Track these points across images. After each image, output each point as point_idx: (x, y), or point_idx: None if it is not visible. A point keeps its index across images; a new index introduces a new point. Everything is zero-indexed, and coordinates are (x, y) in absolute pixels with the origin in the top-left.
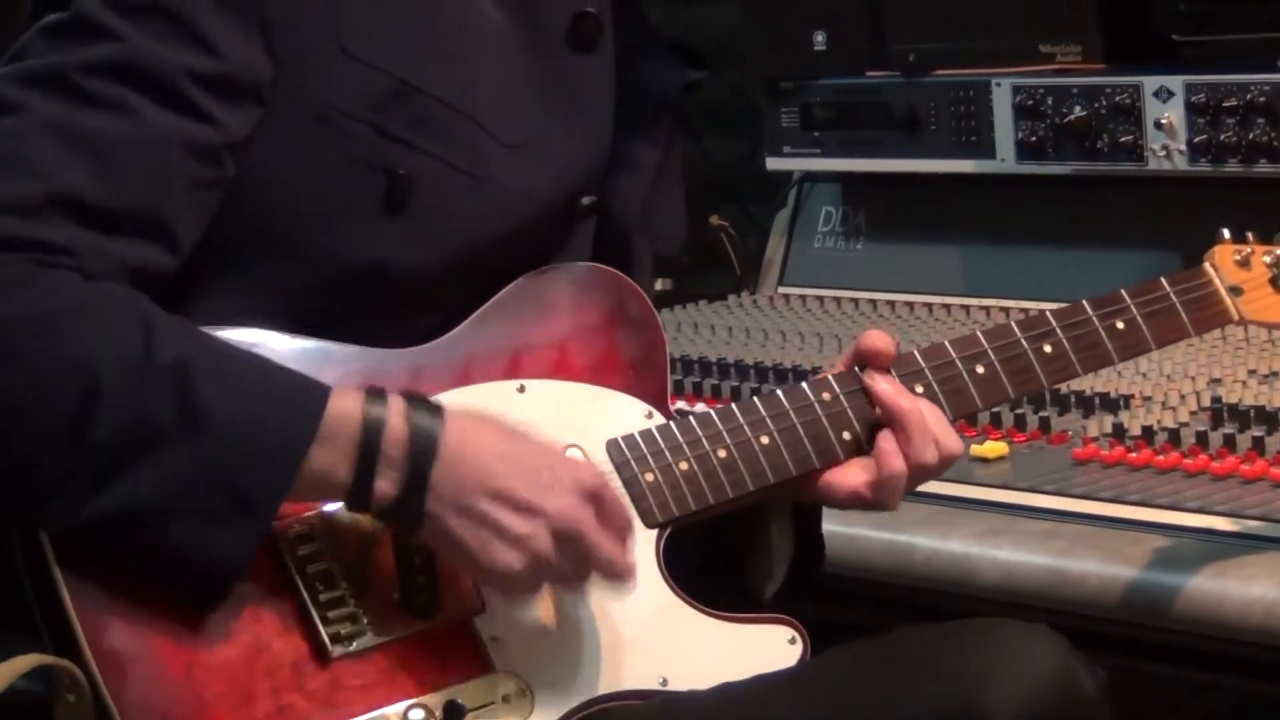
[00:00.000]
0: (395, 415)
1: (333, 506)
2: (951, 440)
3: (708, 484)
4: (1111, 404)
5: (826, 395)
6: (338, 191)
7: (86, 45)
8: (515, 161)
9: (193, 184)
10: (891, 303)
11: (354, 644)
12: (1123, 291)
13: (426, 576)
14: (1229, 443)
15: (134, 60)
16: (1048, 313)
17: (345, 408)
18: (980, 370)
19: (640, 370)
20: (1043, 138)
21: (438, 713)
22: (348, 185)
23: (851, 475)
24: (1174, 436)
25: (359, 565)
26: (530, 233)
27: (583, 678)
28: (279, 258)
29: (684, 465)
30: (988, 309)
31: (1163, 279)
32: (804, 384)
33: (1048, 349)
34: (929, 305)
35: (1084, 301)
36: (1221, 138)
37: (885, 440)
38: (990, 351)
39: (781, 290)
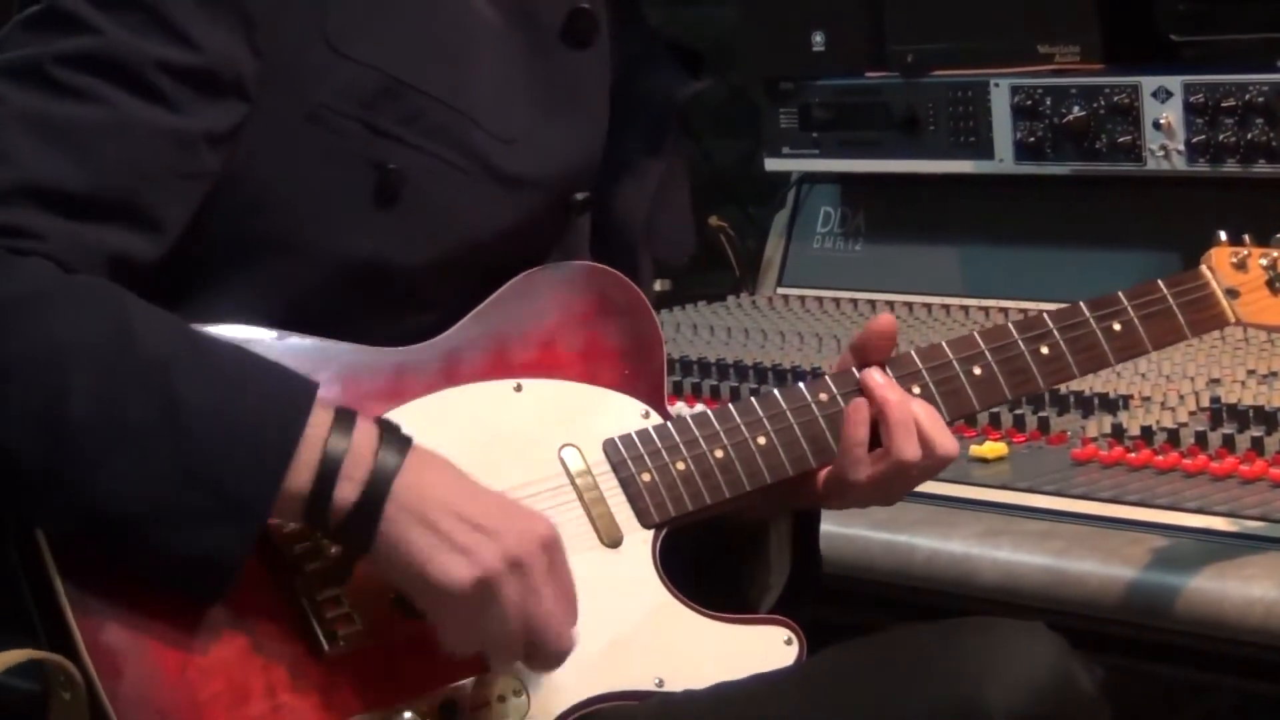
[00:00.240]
0: (361, 436)
1: None
2: (946, 440)
3: (704, 484)
4: (1110, 404)
5: (824, 396)
6: (330, 188)
7: (62, 37)
8: (509, 156)
9: (170, 173)
10: (890, 303)
11: (350, 643)
12: (1120, 293)
13: None
14: (1228, 443)
15: (109, 52)
16: (1045, 314)
17: (312, 432)
18: (977, 371)
19: (637, 370)
20: (1041, 138)
21: (433, 713)
22: (340, 182)
23: (856, 470)
24: (1173, 437)
25: (355, 565)
26: (525, 228)
27: (578, 678)
28: (273, 256)
29: (681, 465)
30: (986, 309)
31: (1159, 281)
32: (801, 384)
33: (1045, 350)
34: (928, 305)
35: (1081, 303)
36: (1220, 138)
37: (856, 409)
38: (987, 353)
39: (780, 291)
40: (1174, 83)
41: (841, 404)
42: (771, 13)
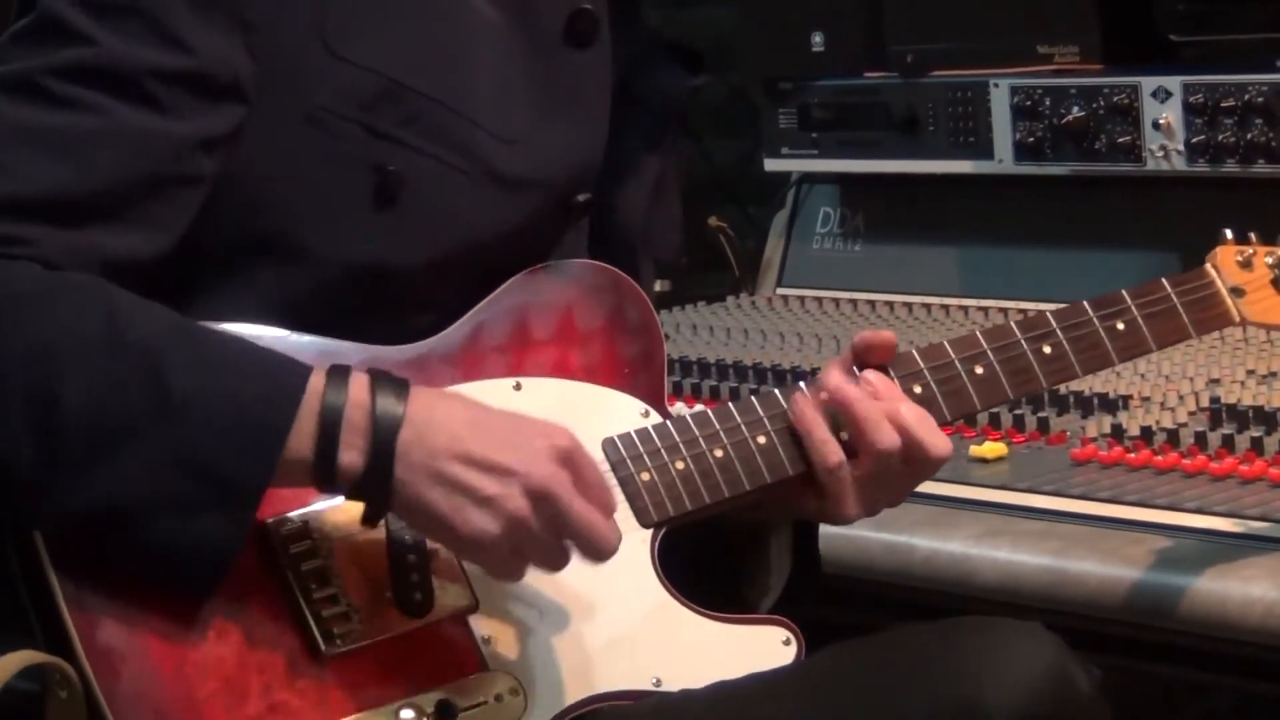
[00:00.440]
0: (357, 389)
1: (324, 504)
2: (938, 441)
3: (704, 484)
4: (1110, 404)
5: (824, 396)
6: (329, 190)
7: (55, 48)
8: (510, 157)
9: (166, 178)
10: (890, 303)
11: (347, 642)
12: (1123, 292)
13: (419, 575)
14: (1227, 443)
15: (103, 61)
16: (1047, 313)
17: (309, 387)
18: (979, 371)
19: (637, 369)
20: (1041, 138)
21: (431, 711)
22: (339, 184)
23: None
24: (1173, 437)
25: (352, 563)
26: (526, 229)
27: (576, 677)
28: (273, 257)
29: (680, 465)
30: (986, 309)
31: (1164, 280)
32: (801, 384)
33: (1047, 350)
34: (927, 306)
35: (1084, 302)
36: (1219, 138)
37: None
38: (989, 352)
39: (780, 291)
40: (1173, 83)
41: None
42: (771, 13)
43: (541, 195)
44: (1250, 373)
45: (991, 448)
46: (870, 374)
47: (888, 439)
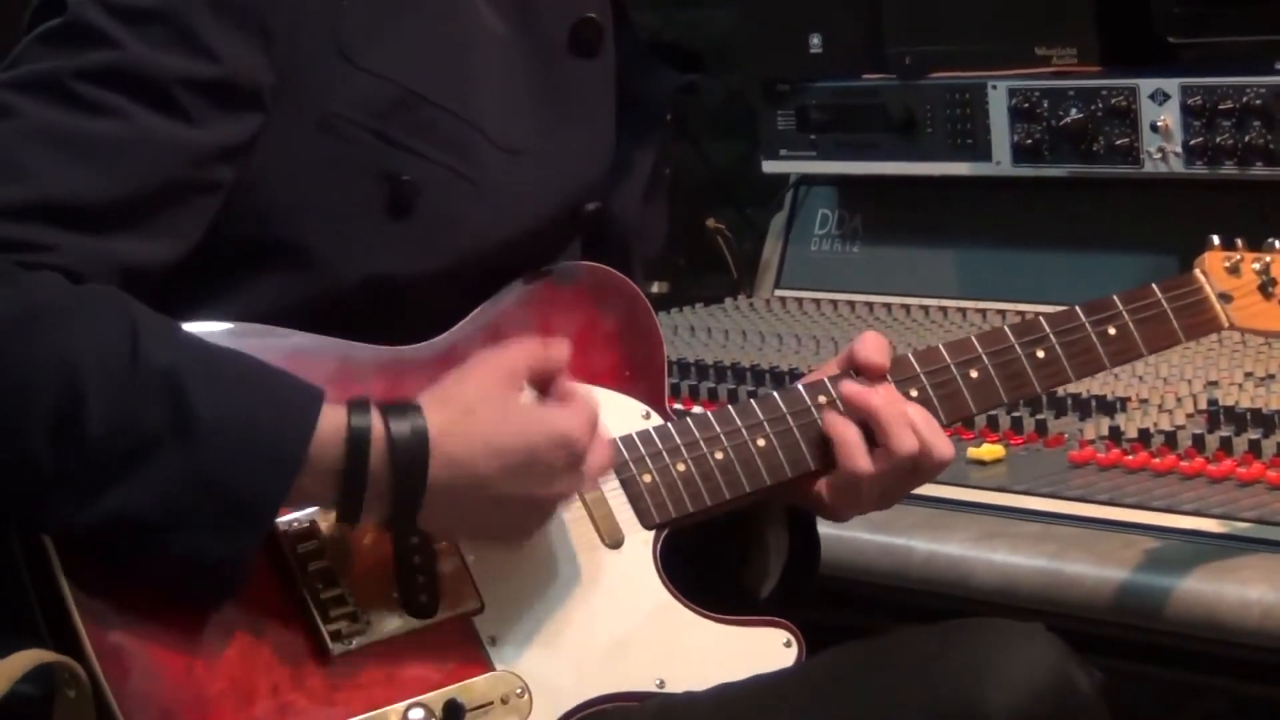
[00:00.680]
0: (377, 442)
1: None
2: (942, 444)
3: (705, 486)
4: (1108, 407)
5: (823, 398)
6: (342, 198)
7: (83, 51)
8: (517, 167)
9: (186, 187)
10: (888, 305)
11: (354, 642)
12: (1114, 297)
13: (426, 576)
14: (1225, 445)
15: (130, 66)
16: (1041, 318)
17: (326, 437)
18: (974, 375)
19: (638, 371)
20: (1039, 140)
21: (437, 712)
22: (351, 192)
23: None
24: (1170, 439)
25: (359, 564)
26: (535, 239)
27: (580, 679)
28: (286, 264)
29: (681, 467)
30: (984, 312)
31: (1154, 285)
32: (799, 386)
33: (1041, 354)
34: (925, 308)
35: (1076, 307)
36: (1217, 140)
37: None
38: (984, 356)
39: (778, 293)
40: (1171, 85)
41: (841, 408)
42: (769, 15)
43: (550, 206)
44: (1248, 375)
45: (989, 450)
46: (869, 380)
47: (909, 444)
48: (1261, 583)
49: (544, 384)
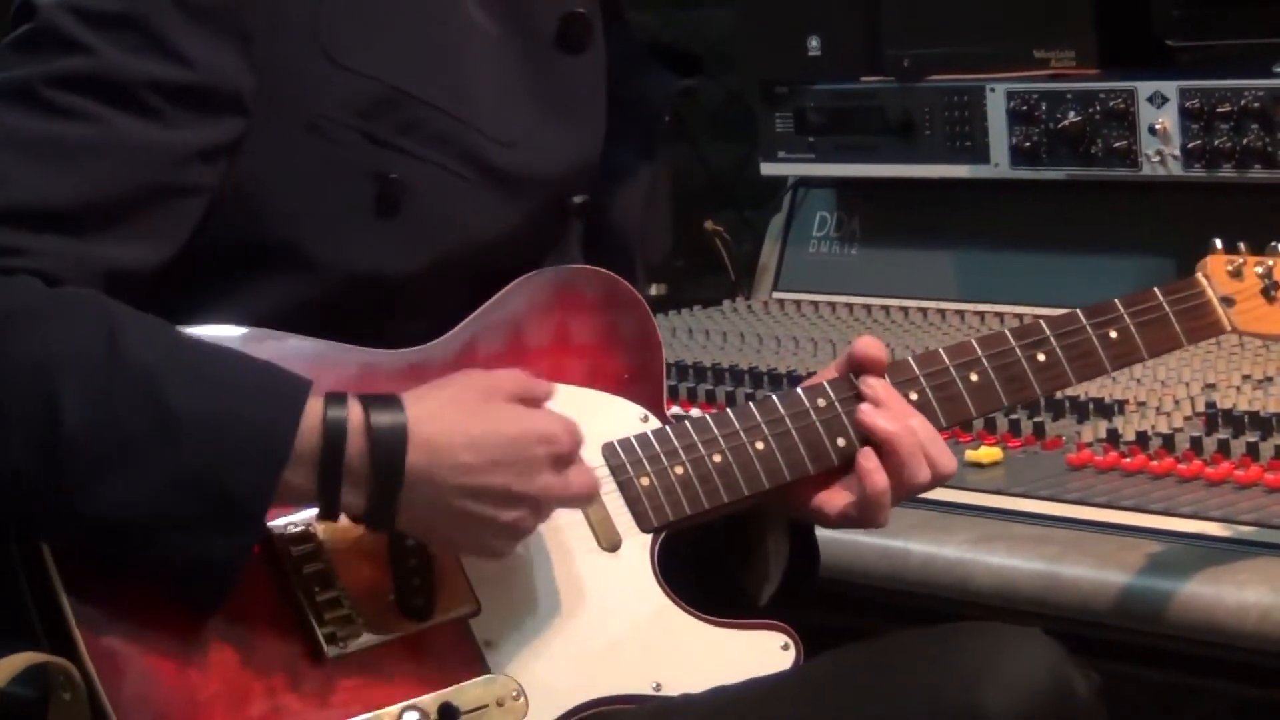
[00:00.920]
0: (355, 431)
1: None
2: (946, 459)
3: (703, 489)
4: (1106, 409)
5: (822, 401)
6: (331, 199)
7: (54, 58)
8: (508, 161)
9: (165, 189)
10: (886, 308)
11: (349, 645)
12: (1116, 301)
13: (422, 578)
14: (1223, 448)
15: (101, 72)
16: (1041, 321)
17: (306, 423)
18: (974, 378)
19: (636, 374)
20: (1037, 143)
21: (432, 715)
22: (341, 192)
23: (839, 497)
24: (1168, 442)
25: (355, 566)
26: (523, 232)
27: (577, 682)
28: (275, 266)
29: (679, 470)
30: (982, 314)
31: (1156, 289)
32: (799, 389)
33: (1041, 358)
34: (923, 310)
35: (1078, 311)
36: (1215, 143)
37: (867, 459)
38: (984, 359)
39: (776, 295)
40: (1170, 88)
41: (839, 410)
42: (768, 17)
43: (540, 196)
44: (1246, 378)
45: (987, 452)
46: (874, 382)
47: (923, 475)
48: (1259, 585)
49: (527, 404)
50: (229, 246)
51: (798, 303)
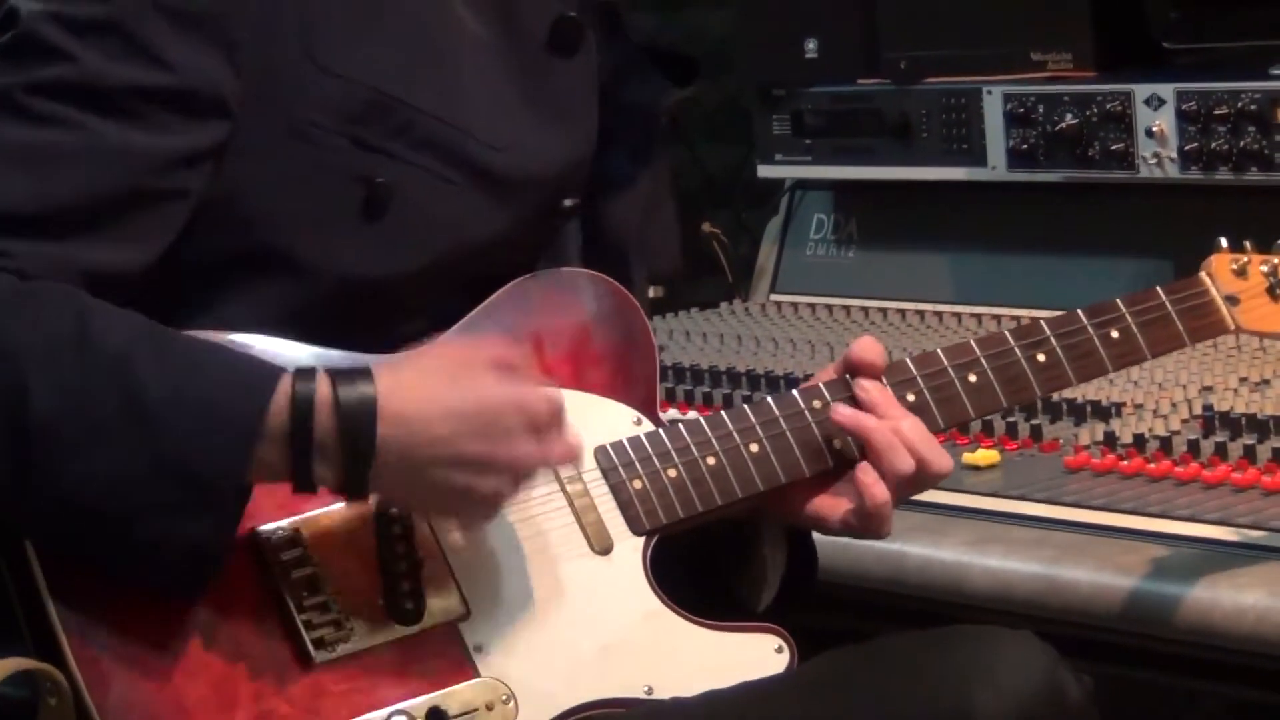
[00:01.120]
0: (323, 405)
1: (315, 511)
2: (939, 458)
3: (696, 491)
4: (1103, 412)
5: (817, 403)
6: (317, 203)
7: (35, 66)
8: (498, 164)
9: (146, 193)
10: (883, 310)
11: (337, 650)
12: (1118, 300)
13: (411, 583)
14: (1220, 451)
15: (84, 79)
16: (1041, 321)
17: (276, 401)
18: (973, 379)
19: (629, 377)
20: (1034, 145)
21: (421, 719)
22: (328, 196)
23: (839, 504)
24: (1165, 444)
25: (343, 571)
26: (513, 235)
27: (567, 685)
28: (265, 270)
29: (672, 472)
30: (979, 317)
31: (1158, 288)
32: (794, 391)
33: (1041, 358)
34: (921, 313)
35: (1079, 310)
36: (1213, 145)
37: (865, 473)
38: (983, 360)
39: (773, 298)
40: (1167, 90)
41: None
42: (765, 19)
43: (530, 199)
44: (1243, 380)
45: (984, 455)
46: (868, 385)
47: (905, 464)
48: (1256, 588)
49: (505, 373)
50: (217, 251)
51: (795, 305)
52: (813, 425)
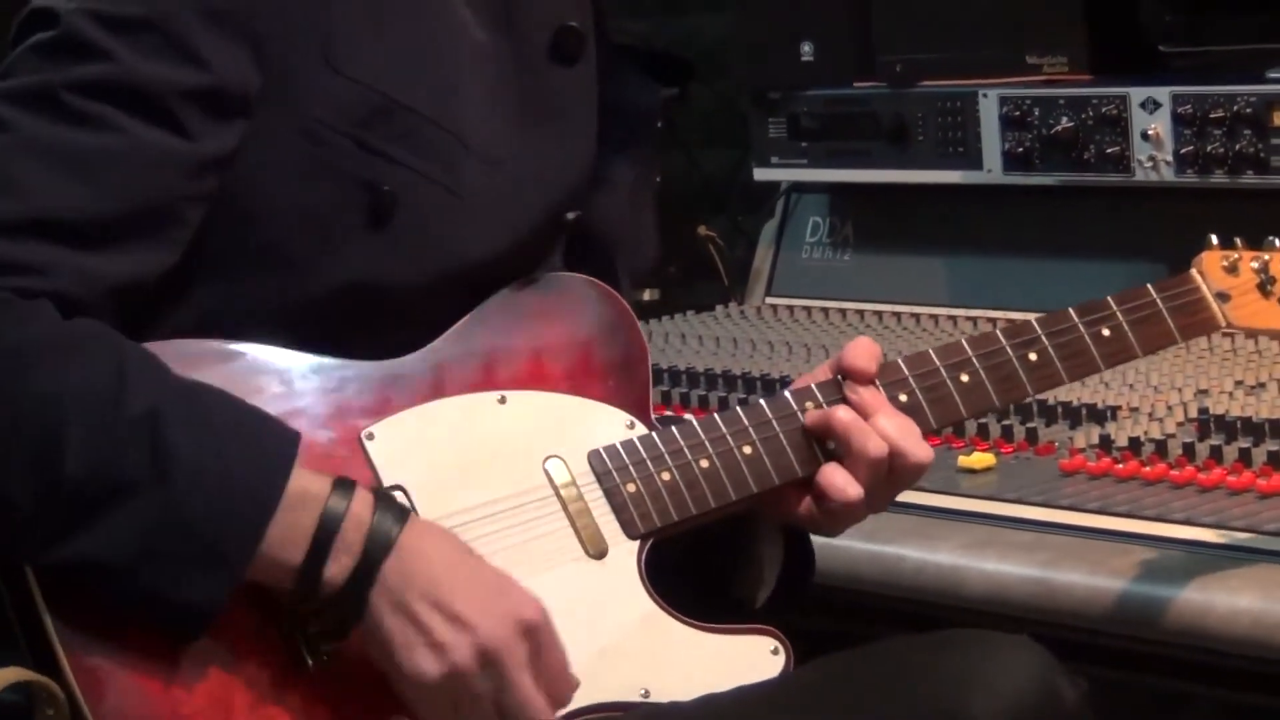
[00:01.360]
0: (359, 504)
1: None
2: (918, 449)
3: (690, 494)
4: (1098, 415)
5: (810, 405)
6: (322, 205)
7: (76, 64)
8: (498, 178)
9: (179, 199)
10: (879, 313)
11: (334, 658)
12: (1109, 298)
13: None
14: (1216, 454)
15: (124, 78)
16: (1033, 320)
17: (309, 488)
18: (965, 378)
19: (622, 381)
20: (1029, 148)
21: None
22: (332, 199)
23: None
24: (1161, 448)
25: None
26: (516, 249)
27: None
28: (267, 270)
29: (666, 475)
30: (974, 319)
31: (1149, 286)
32: (786, 392)
33: (1033, 357)
34: (916, 315)
35: (1070, 309)
36: (1208, 149)
37: (834, 472)
38: (975, 359)
39: (769, 300)
40: (1162, 93)
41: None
42: (760, 23)
43: (532, 215)
44: (1238, 384)
45: (980, 458)
46: (859, 387)
47: (876, 447)
48: (1251, 591)
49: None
50: (222, 248)
51: (790, 308)
52: (805, 427)
